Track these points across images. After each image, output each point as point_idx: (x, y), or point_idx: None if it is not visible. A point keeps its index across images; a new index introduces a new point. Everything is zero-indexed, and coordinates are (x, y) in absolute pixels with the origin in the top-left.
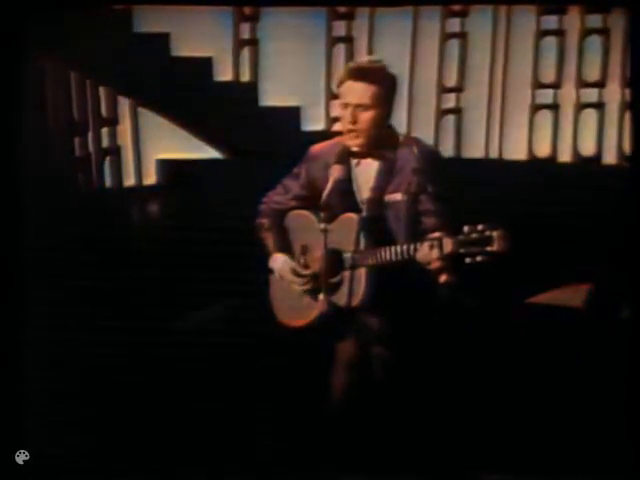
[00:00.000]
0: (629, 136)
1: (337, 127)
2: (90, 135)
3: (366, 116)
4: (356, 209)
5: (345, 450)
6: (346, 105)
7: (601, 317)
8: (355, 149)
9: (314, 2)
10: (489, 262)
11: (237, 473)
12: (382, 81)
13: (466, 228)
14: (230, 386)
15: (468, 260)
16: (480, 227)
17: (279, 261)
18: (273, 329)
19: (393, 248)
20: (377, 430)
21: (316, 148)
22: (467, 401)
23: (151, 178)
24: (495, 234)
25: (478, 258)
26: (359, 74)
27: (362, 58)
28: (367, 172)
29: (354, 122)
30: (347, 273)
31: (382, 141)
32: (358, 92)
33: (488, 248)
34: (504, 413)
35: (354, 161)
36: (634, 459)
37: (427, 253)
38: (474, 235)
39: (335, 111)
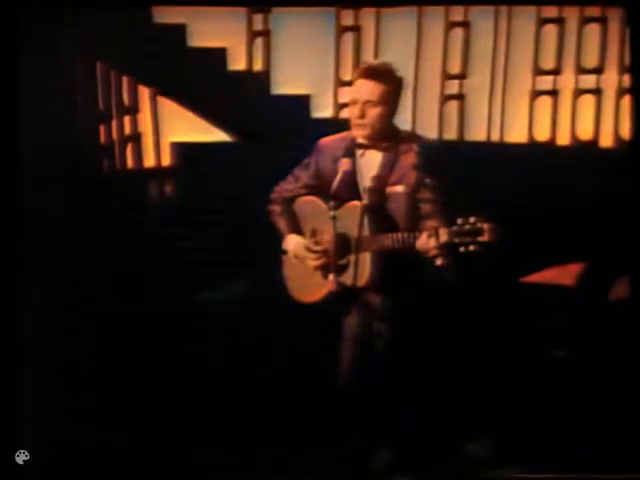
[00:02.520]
0: (630, 121)
1: (344, 114)
2: (114, 123)
3: (373, 112)
4: (360, 197)
5: (349, 418)
6: (355, 101)
7: (592, 296)
8: (361, 140)
9: (320, 2)
10: (480, 251)
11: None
12: (390, 81)
13: (460, 220)
14: (246, 362)
15: (462, 249)
16: (472, 219)
17: (292, 241)
18: (286, 305)
19: (395, 236)
20: (377, 401)
21: (325, 141)
22: (461, 379)
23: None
24: (486, 226)
25: (470, 247)
26: (369, 73)
27: (373, 59)
28: (370, 163)
29: (362, 116)
30: (353, 256)
31: (385, 136)
32: (367, 89)
33: (479, 238)
34: (499, 393)
35: (359, 152)
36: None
37: (425, 242)
38: (467, 227)
39: (343, 98)
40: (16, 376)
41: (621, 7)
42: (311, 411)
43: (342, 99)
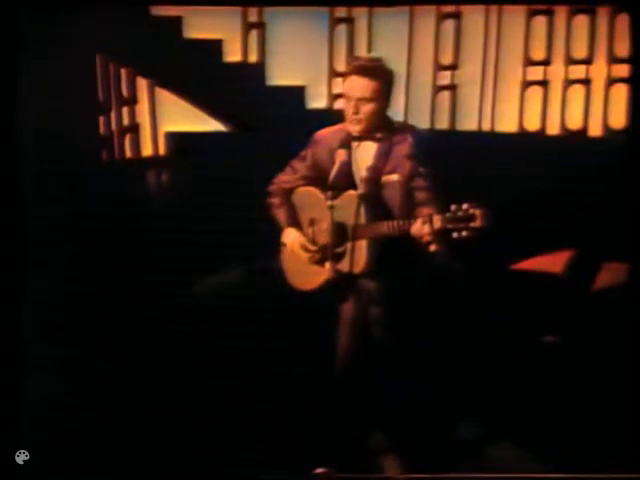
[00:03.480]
0: (627, 111)
1: (339, 105)
2: (113, 114)
3: (367, 108)
4: (356, 187)
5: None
6: (349, 98)
7: (578, 283)
8: (356, 134)
9: (314, 2)
10: (472, 237)
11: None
12: (381, 76)
13: (453, 207)
14: (244, 348)
15: (455, 235)
16: (465, 206)
17: (290, 236)
18: (284, 293)
19: (390, 223)
20: (374, 384)
21: (321, 134)
22: (456, 363)
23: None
24: (478, 212)
25: (463, 233)
26: (361, 71)
27: (363, 54)
28: (366, 154)
29: (356, 113)
30: (350, 244)
31: (380, 128)
32: (360, 87)
33: (471, 224)
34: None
35: (354, 144)
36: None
37: (420, 228)
38: (460, 213)
39: (337, 89)
40: (16, 376)
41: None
42: (309, 395)
43: (336, 90)
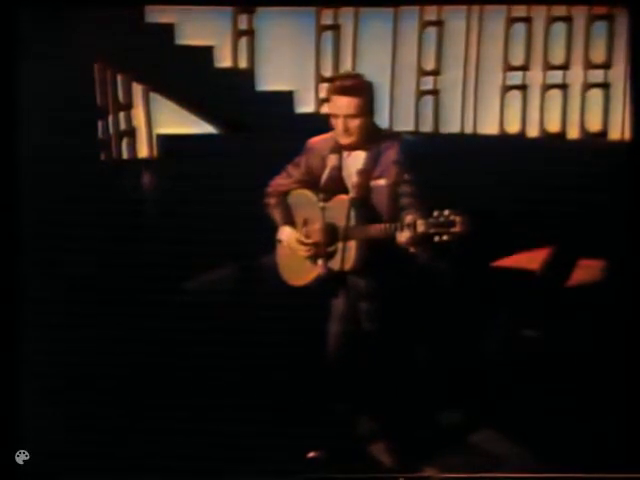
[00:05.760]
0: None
1: (325, 109)
2: (110, 119)
3: (354, 123)
4: (346, 192)
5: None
6: (337, 116)
7: (554, 281)
8: (348, 146)
9: (301, 2)
10: (453, 241)
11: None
12: (362, 92)
13: (435, 213)
14: (238, 342)
15: (437, 239)
16: (446, 212)
17: (286, 232)
18: (278, 288)
19: (378, 226)
20: (363, 372)
21: (313, 141)
22: (439, 352)
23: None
24: (458, 218)
25: (444, 237)
26: (343, 90)
27: (342, 73)
28: (356, 161)
29: (346, 129)
30: (341, 243)
31: (369, 137)
32: (344, 105)
33: (452, 229)
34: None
35: (345, 153)
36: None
37: (404, 232)
38: (441, 219)
39: (323, 94)
40: (16, 376)
41: (586, 5)
42: (301, 385)
43: (323, 95)
